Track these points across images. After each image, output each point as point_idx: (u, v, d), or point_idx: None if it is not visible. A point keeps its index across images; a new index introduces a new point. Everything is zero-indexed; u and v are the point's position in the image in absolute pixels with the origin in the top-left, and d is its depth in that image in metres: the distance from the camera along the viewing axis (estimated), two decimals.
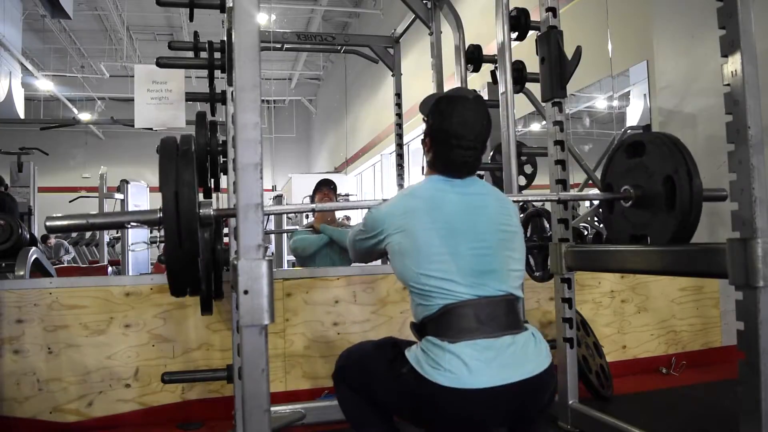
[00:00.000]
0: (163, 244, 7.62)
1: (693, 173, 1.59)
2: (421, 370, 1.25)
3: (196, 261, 1.23)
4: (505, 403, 1.24)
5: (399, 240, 1.33)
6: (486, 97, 3.04)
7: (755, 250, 1.23)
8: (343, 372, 1.47)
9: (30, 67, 9.75)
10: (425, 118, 1.44)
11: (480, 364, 1.22)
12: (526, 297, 2.36)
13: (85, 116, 13.33)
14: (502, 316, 1.29)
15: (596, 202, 4.58)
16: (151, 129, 2.31)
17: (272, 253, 4.53)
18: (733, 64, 1.31)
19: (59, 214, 1.24)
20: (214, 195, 2.10)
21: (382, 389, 1.38)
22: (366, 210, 1.50)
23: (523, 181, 3.20)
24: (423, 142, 1.45)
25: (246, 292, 1.08)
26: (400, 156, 3.77)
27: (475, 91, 1.51)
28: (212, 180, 2.02)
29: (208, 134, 1.93)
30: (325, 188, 3.31)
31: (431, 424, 1.32)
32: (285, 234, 4.59)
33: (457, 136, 1.35)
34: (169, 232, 1.18)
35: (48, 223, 1.23)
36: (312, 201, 3.30)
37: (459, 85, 2.63)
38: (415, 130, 6.39)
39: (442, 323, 1.27)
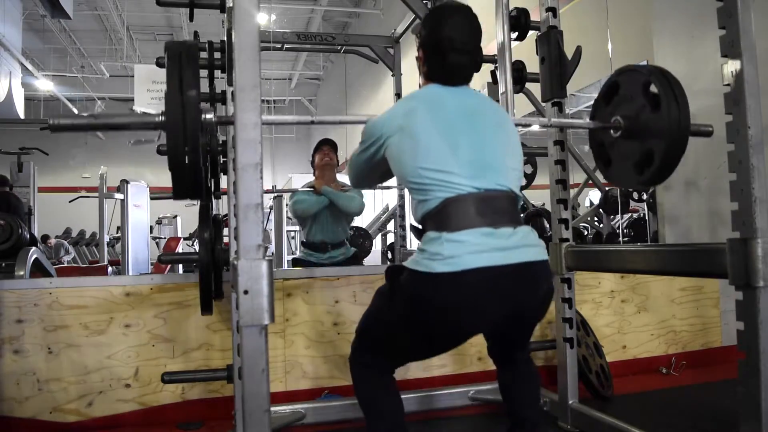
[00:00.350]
0: (163, 244, 7.59)
1: (666, 73, 1.54)
2: (418, 267, 1.24)
3: (199, 166, 1.23)
4: (504, 286, 1.23)
5: (398, 140, 1.32)
6: None
7: (755, 250, 1.23)
8: (356, 345, 1.48)
9: (30, 67, 9.75)
10: (417, 36, 1.45)
11: (480, 247, 1.21)
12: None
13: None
14: (503, 210, 1.28)
15: (596, 202, 4.58)
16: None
17: (272, 253, 4.53)
18: (733, 64, 1.31)
19: (63, 115, 1.25)
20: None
21: (387, 326, 1.37)
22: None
23: (523, 181, 3.20)
24: (417, 58, 1.47)
25: (246, 292, 1.08)
26: None
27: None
28: (212, 180, 2.02)
29: (207, 134, 1.93)
30: (326, 147, 3.13)
31: (435, 328, 1.28)
32: (285, 233, 4.59)
33: (450, 38, 1.37)
34: (171, 135, 1.17)
35: (51, 122, 1.22)
36: (312, 162, 3.16)
37: None
38: None
39: (442, 217, 1.25)
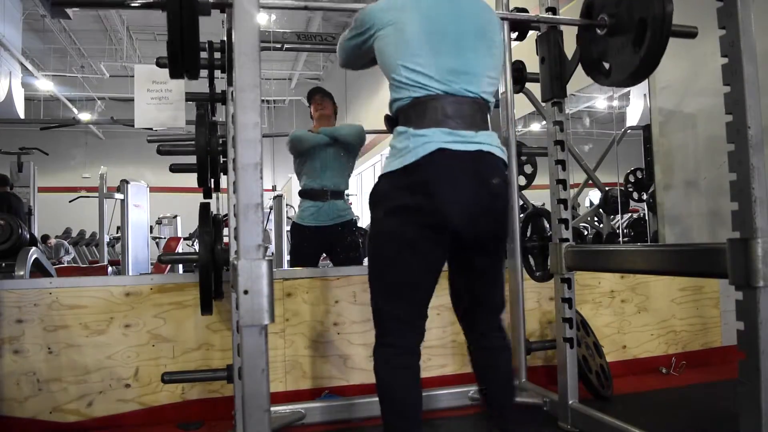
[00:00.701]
0: (163, 244, 7.58)
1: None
2: (391, 167, 1.39)
3: (197, 48, 1.42)
4: (467, 164, 1.37)
5: (387, 33, 1.41)
6: None
7: (755, 250, 1.23)
8: (374, 318, 1.49)
9: (30, 67, 9.75)
10: None
11: (443, 139, 1.36)
12: (526, 297, 2.36)
13: (85, 116, 13.32)
14: (468, 114, 1.40)
15: (596, 202, 4.58)
16: (151, 129, 2.31)
17: (272, 253, 4.53)
18: (733, 63, 1.31)
19: None
20: (214, 195, 2.10)
21: (382, 252, 1.45)
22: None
23: (523, 181, 3.20)
24: None
25: (246, 292, 1.08)
26: None
27: None
28: (212, 180, 2.02)
29: (208, 134, 1.93)
30: (317, 95, 2.99)
31: (419, 218, 1.37)
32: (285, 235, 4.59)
33: None
34: (172, 15, 1.34)
35: None
36: (310, 115, 3.05)
37: None
38: None
39: (412, 113, 1.39)
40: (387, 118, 1.49)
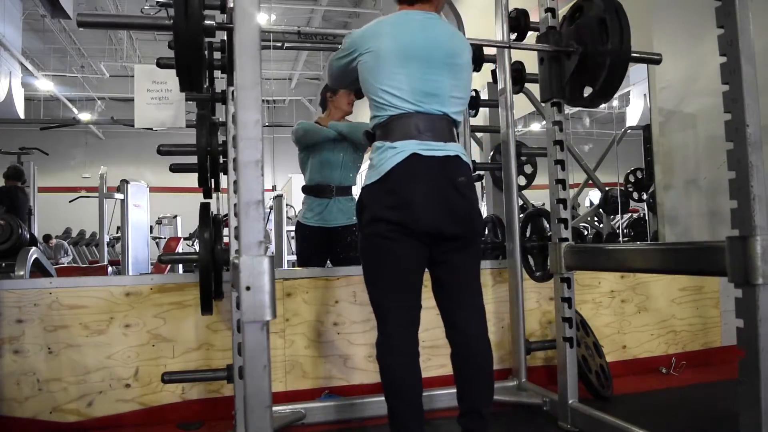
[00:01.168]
0: (163, 244, 7.59)
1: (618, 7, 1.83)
2: (371, 179, 1.56)
3: (202, 66, 1.61)
4: (437, 167, 1.54)
5: (367, 59, 1.60)
6: (486, 97, 3.05)
7: (754, 248, 1.23)
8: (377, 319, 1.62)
9: (30, 67, 9.75)
10: None
11: (414, 149, 1.53)
12: (526, 297, 2.36)
13: (85, 116, 13.33)
14: (438, 128, 1.58)
15: (596, 202, 4.57)
16: (151, 129, 2.31)
17: (272, 253, 4.53)
18: (732, 62, 1.31)
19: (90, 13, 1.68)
20: (214, 195, 2.10)
21: (372, 256, 1.60)
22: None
23: (523, 181, 3.21)
24: None
25: (248, 288, 1.08)
26: None
27: None
28: (212, 180, 2.03)
29: (208, 134, 1.94)
30: (354, 94, 2.78)
31: (398, 214, 1.52)
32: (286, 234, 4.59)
33: None
34: (179, 38, 1.50)
35: (79, 18, 1.62)
36: (323, 101, 2.92)
37: None
38: None
39: (388, 129, 1.58)
40: (366, 134, 1.68)
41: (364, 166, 2.51)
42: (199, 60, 1.63)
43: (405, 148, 1.53)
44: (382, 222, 1.53)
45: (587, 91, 1.95)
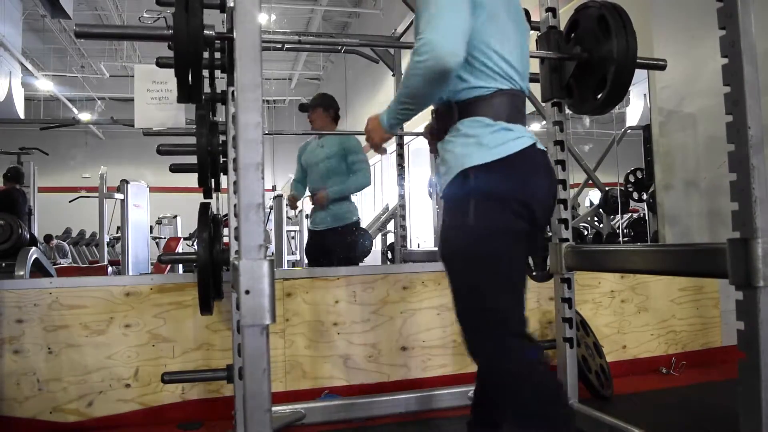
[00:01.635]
0: (163, 244, 7.58)
1: (618, 8, 1.73)
2: (489, 157, 1.24)
3: (200, 78, 1.60)
4: (546, 159, 1.35)
5: (482, 3, 1.25)
6: None
7: (755, 250, 1.23)
8: (478, 338, 1.31)
9: (30, 67, 9.75)
10: None
11: (531, 138, 1.29)
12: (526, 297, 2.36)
13: (85, 116, 13.32)
14: (524, 111, 1.36)
15: (596, 202, 4.57)
16: (151, 129, 2.31)
17: (272, 253, 4.53)
18: (733, 64, 1.31)
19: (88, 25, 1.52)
20: (214, 195, 2.10)
21: (480, 266, 1.27)
22: None
23: None
24: None
25: (247, 292, 1.08)
26: (400, 156, 3.77)
27: None
28: (212, 180, 2.02)
29: (208, 134, 1.93)
30: (308, 111, 3.13)
31: (515, 209, 1.26)
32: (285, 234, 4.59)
33: None
34: (178, 50, 1.49)
35: (78, 29, 1.46)
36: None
37: None
38: (416, 130, 6.38)
39: (497, 106, 1.28)
40: (445, 106, 1.32)
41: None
42: (198, 71, 1.63)
43: (523, 134, 1.28)
44: (505, 208, 1.26)
45: (593, 98, 1.89)
